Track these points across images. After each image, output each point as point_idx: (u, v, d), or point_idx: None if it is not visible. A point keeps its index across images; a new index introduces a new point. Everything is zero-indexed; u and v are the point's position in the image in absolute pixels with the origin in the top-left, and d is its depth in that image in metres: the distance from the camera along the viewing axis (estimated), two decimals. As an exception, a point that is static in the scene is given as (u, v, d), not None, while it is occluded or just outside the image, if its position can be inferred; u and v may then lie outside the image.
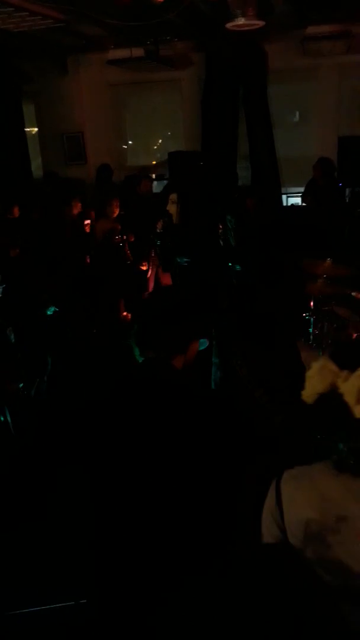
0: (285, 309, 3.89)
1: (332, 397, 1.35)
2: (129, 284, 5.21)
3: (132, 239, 5.37)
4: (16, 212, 5.23)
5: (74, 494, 2.64)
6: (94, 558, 1.90)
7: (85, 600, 2.22)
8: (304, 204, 6.97)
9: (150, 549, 1.73)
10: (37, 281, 4.11)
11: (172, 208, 5.77)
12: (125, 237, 5.30)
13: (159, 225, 5.25)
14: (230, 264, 4.87)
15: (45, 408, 3.44)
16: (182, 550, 1.69)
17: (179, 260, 5.09)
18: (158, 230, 5.26)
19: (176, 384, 1.85)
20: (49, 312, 4.02)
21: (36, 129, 8.89)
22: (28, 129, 8.48)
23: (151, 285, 5.66)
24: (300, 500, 1.39)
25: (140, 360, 1.90)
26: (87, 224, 5.57)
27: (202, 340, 1.99)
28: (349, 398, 1.32)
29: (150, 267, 5.53)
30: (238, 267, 4.97)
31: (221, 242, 5.34)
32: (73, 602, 2.33)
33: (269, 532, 1.44)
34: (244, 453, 1.74)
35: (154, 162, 8.72)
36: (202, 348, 1.99)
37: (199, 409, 1.79)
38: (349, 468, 1.36)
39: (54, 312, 4.05)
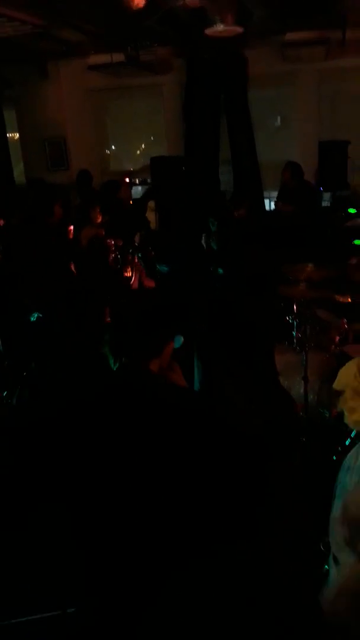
0: (265, 314, 3.91)
1: None
2: (113, 291, 5.19)
3: (120, 244, 5.37)
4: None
5: (58, 504, 2.62)
6: (81, 567, 1.88)
7: (73, 609, 2.20)
8: (280, 210, 6.99)
9: (136, 553, 1.72)
10: (20, 287, 4.08)
11: (150, 215, 5.78)
12: (112, 242, 5.29)
13: (137, 238, 5.24)
14: (212, 269, 4.89)
15: (27, 416, 3.41)
16: (167, 555, 1.69)
17: (159, 267, 5.08)
18: (136, 244, 5.25)
19: (153, 390, 1.84)
20: (32, 319, 3.99)
21: (17, 135, 8.85)
22: (9, 135, 8.43)
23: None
24: None
25: (115, 368, 1.89)
26: (71, 230, 5.55)
27: (177, 337, 1.98)
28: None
29: (134, 273, 5.52)
30: (220, 271, 4.98)
31: (204, 246, 5.35)
32: (60, 612, 2.31)
33: None
34: (224, 456, 1.74)
35: (137, 168, 8.73)
36: (177, 346, 1.99)
37: (179, 415, 1.79)
38: None
39: (37, 318, 4.01)
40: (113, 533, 1.71)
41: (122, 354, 1.86)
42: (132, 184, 7.58)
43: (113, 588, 1.77)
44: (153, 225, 6.13)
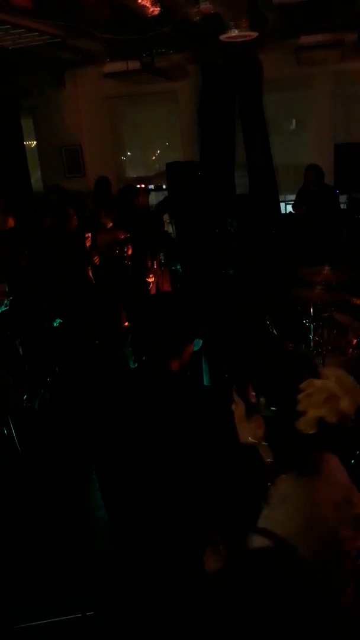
0: (275, 315, 3.91)
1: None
2: (130, 295, 5.24)
3: (130, 252, 5.41)
4: (11, 222, 5.24)
5: (77, 506, 2.65)
6: (101, 569, 1.92)
7: (92, 613, 2.22)
8: (296, 213, 6.97)
9: (153, 549, 1.75)
10: (42, 293, 4.13)
11: (168, 227, 5.82)
12: (126, 248, 5.35)
13: (161, 257, 5.30)
14: (223, 270, 4.91)
15: (48, 420, 3.46)
16: (182, 553, 1.71)
17: (173, 267, 5.12)
18: (162, 260, 5.30)
19: (171, 388, 1.88)
20: (54, 324, 4.04)
21: (35, 143, 8.97)
22: (27, 143, 8.56)
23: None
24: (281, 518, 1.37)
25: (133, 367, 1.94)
26: (88, 236, 5.61)
27: (197, 340, 2.01)
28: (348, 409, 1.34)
29: (153, 278, 5.57)
30: (231, 272, 5.00)
31: (218, 247, 5.37)
32: (80, 615, 2.34)
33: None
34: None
35: (152, 174, 8.78)
36: (196, 349, 2.02)
37: (192, 412, 1.82)
38: (308, 472, 1.38)
39: (59, 323, 4.06)
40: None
41: (142, 355, 1.91)
42: (148, 190, 7.61)
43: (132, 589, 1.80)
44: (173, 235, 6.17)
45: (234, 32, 5.19)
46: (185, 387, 1.95)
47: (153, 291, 5.75)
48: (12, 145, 7.67)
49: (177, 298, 2.19)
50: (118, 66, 7.58)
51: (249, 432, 1.43)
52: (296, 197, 7.01)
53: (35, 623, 2.40)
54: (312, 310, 4.23)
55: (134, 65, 7.30)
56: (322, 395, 1.33)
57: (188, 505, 1.74)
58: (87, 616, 2.33)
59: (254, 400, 1.42)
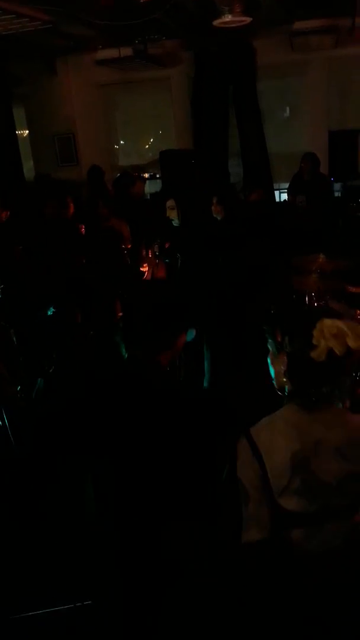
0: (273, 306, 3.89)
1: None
2: (125, 285, 5.20)
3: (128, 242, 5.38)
4: (4, 215, 5.20)
5: (74, 497, 2.65)
6: (100, 559, 1.91)
7: (89, 602, 2.22)
8: (291, 201, 6.92)
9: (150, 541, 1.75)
10: (35, 281, 4.10)
11: (172, 214, 5.76)
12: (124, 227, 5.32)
13: (156, 248, 5.26)
14: (220, 260, 4.87)
15: (43, 411, 3.44)
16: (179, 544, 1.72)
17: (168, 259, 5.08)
18: (156, 252, 5.27)
19: (160, 383, 1.87)
20: (49, 313, 4.01)
21: (27, 132, 8.88)
22: (19, 132, 8.46)
23: (147, 285, 5.67)
24: (281, 440, 1.60)
25: (126, 356, 1.94)
26: (82, 226, 5.57)
27: (190, 331, 2.01)
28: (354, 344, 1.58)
29: (147, 268, 5.53)
30: (220, 259, 4.95)
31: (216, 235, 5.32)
32: (78, 604, 2.34)
33: (250, 484, 1.60)
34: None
35: (146, 162, 8.72)
36: (189, 339, 2.02)
37: (184, 408, 1.82)
38: (313, 404, 1.62)
39: (54, 312, 4.03)
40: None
41: (132, 345, 1.91)
42: (143, 178, 7.56)
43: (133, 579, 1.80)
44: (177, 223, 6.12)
45: (228, 18, 5.14)
46: (175, 383, 1.94)
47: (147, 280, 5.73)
48: (4, 134, 7.58)
49: (170, 288, 2.18)
50: (110, 53, 7.48)
51: (278, 366, 1.73)
52: (290, 185, 6.97)
53: (32, 613, 2.40)
54: (307, 298, 4.22)
55: (126, 52, 7.21)
56: (332, 330, 1.59)
57: (175, 499, 1.74)
58: (84, 605, 2.34)
59: (279, 339, 1.72)
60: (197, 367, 3.75)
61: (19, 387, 3.36)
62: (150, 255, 5.55)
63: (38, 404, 3.57)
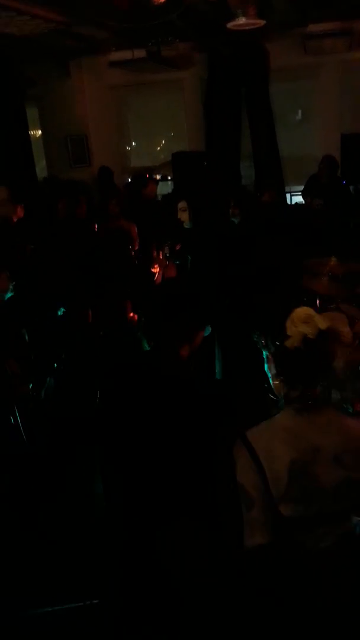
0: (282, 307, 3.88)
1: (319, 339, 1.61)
2: (136, 285, 5.21)
3: (137, 243, 5.40)
4: (20, 211, 5.23)
5: (82, 496, 2.66)
6: (105, 558, 1.92)
7: (97, 601, 2.23)
8: (307, 204, 6.90)
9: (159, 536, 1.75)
10: (47, 281, 4.12)
11: (183, 216, 5.76)
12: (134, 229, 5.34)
13: (167, 250, 5.28)
14: (232, 258, 4.87)
15: (54, 410, 3.46)
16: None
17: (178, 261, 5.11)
18: (167, 254, 5.29)
19: (180, 376, 1.88)
20: (59, 313, 4.03)
21: (40, 132, 8.93)
22: (32, 132, 8.52)
23: (158, 285, 5.69)
24: (280, 447, 1.60)
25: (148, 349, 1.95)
26: (95, 227, 5.60)
27: (207, 327, 2.02)
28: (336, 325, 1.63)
29: (158, 269, 5.55)
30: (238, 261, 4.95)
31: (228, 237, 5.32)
32: (83, 603, 2.35)
33: (254, 489, 1.60)
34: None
35: (158, 163, 8.74)
36: (206, 334, 2.03)
37: (201, 401, 1.83)
38: (309, 407, 1.63)
39: (64, 312, 4.05)
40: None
41: (156, 338, 1.93)
42: (155, 180, 7.59)
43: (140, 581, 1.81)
44: (186, 224, 6.12)
45: (241, 20, 5.15)
46: (194, 377, 1.95)
47: (158, 282, 5.74)
48: (17, 135, 7.63)
49: (188, 283, 2.19)
50: (124, 55, 7.52)
51: (271, 370, 1.74)
52: (305, 187, 6.94)
53: (37, 611, 2.41)
54: (318, 301, 4.21)
55: (139, 54, 7.24)
56: (301, 316, 1.61)
57: (184, 492, 1.74)
58: (91, 604, 2.34)
59: (265, 344, 1.74)
60: (208, 366, 3.75)
61: (31, 385, 3.38)
62: (160, 257, 5.57)
63: (48, 402, 3.59)
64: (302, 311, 1.64)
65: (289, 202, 8.04)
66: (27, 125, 7.95)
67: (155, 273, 5.41)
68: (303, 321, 1.61)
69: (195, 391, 1.87)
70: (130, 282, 5.19)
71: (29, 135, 8.10)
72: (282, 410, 1.69)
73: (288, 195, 8.06)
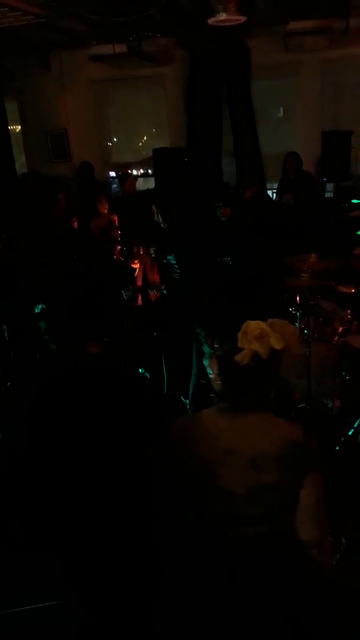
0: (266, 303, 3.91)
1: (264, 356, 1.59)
2: (116, 281, 5.19)
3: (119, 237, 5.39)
4: None
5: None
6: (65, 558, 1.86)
7: (57, 602, 2.16)
8: (278, 201, 6.94)
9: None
10: (25, 278, 4.07)
11: (159, 217, 5.79)
12: (119, 233, 5.34)
13: (152, 251, 5.29)
14: (218, 259, 4.88)
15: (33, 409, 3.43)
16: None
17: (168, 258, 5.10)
18: (152, 254, 5.29)
19: (95, 370, 1.84)
20: (36, 310, 3.99)
21: (19, 127, 8.82)
22: (11, 127, 8.41)
23: (139, 282, 5.67)
24: (193, 442, 1.62)
25: (53, 348, 1.92)
26: (74, 220, 5.57)
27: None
28: (276, 345, 1.59)
29: (138, 265, 5.54)
30: (227, 260, 4.96)
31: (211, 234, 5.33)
32: (45, 604, 2.30)
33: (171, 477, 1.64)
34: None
35: (138, 159, 8.70)
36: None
37: (121, 390, 1.79)
38: (236, 410, 1.61)
39: (42, 309, 4.01)
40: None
41: (58, 337, 1.89)
42: (135, 175, 7.57)
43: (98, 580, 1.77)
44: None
45: (222, 16, 5.13)
46: (113, 370, 1.91)
47: (139, 279, 5.72)
48: (-4, 129, 7.53)
49: (92, 280, 2.13)
50: (104, 49, 7.46)
51: (212, 368, 1.85)
52: (278, 185, 7.00)
53: (9, 610, 2.37)
54: (298, 298, 4.24)
55: (120, 48, 7.19)
56: (255, 332, 1.58)
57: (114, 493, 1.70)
58: (61, 604, 2.30)
59: (209, 342, 1.78)
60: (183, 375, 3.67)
61: (9, 383, 3.35)
62: (141, 252, 5.56)
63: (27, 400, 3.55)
64: (256, 326, 1.60)
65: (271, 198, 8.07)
66: (6, 120, 7.85)
67: (135, 269, 5.39)
68: (256, 337, 1.59)
69: (116, 383, 1.82)
70: (112, 278, 5.17)
71: (8, 130, 8.00)
72: (214, 404, 1.69)
73: (270, 192, 8.09)
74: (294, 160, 6.64)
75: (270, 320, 1.65)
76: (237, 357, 1.58)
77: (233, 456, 1.57)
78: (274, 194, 8.07)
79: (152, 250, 5.28)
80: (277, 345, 1.58)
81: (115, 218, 5.56)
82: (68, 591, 1.77)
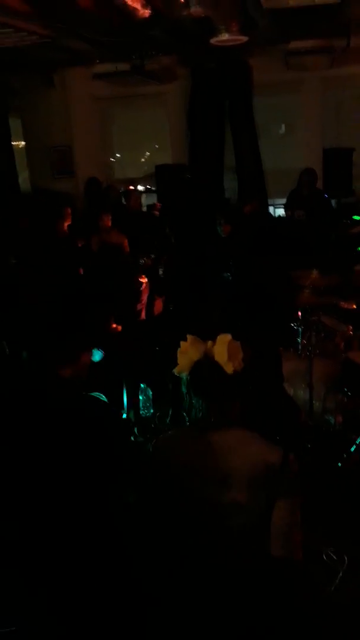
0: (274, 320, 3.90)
1: (205, 362, 1.66)
2: (121, 296, 5.19)
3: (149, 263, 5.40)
4: None
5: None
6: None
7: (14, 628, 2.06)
8: (288, 217, 6.97)
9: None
10: (30, 294, 4.08)
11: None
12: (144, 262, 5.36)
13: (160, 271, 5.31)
14: (220, 275, 4.90)
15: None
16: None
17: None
18: (160, 275, 5.30)
19: (58, 395, 1.80)
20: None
21: (23, 143, 8.91)
22: (15, 143, 8.50)
23: (144, 297, 5.67)
24: (171, 456, 1.65)
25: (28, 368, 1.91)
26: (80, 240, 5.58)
27: (96, 351, 1.97)
28: (220, 359, 1.63)
29: (145, 280, 5.55)
30: (228, 276, 4.96)
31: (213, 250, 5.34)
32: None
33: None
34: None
35: (141, 175, 8.78)
36: (96, 359, 1.98)
37: (79, 422, 1.74)
38: (215, 427, 1.63)
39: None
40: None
41: (37, 356, 1.88)
42: (139, 191, 7.62)
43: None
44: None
45: (224, 36, 5.20)
46: (75, 395, 1.84)
47: (145, 293, 5.73)
48: (0, 146, 7.61)
49: (75, 300, 2.11)
50: (107, 67, 7.56)
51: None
52: (287, 200, 7.01)
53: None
54: (300, 314, 4.24)
55: (123, 67, 7.28)
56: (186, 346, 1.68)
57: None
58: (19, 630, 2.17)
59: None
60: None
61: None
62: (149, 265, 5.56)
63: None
64: (189, 340, 1.69)
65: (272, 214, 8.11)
66: (9, 136, 7.94)
67: (143, 282, 5.39)
68: (180, 353, 1.68)
69: (81, 413, 1.78)
70: (117, 293, 5.17)
71: (11, 145, 8.08)
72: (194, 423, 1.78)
73: (271, 208, 8.13)
74: (310, 176, 6.68)
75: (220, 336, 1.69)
76: (176, 371, 1.69)
77: (205, 471, 1.59)
78: (275, 209, 8.14)
79: (160, 271, 5.29)
80: (220, 359, 1.63)
81: (126, 242, 5.56)
82: (26, 617, 1.72)
